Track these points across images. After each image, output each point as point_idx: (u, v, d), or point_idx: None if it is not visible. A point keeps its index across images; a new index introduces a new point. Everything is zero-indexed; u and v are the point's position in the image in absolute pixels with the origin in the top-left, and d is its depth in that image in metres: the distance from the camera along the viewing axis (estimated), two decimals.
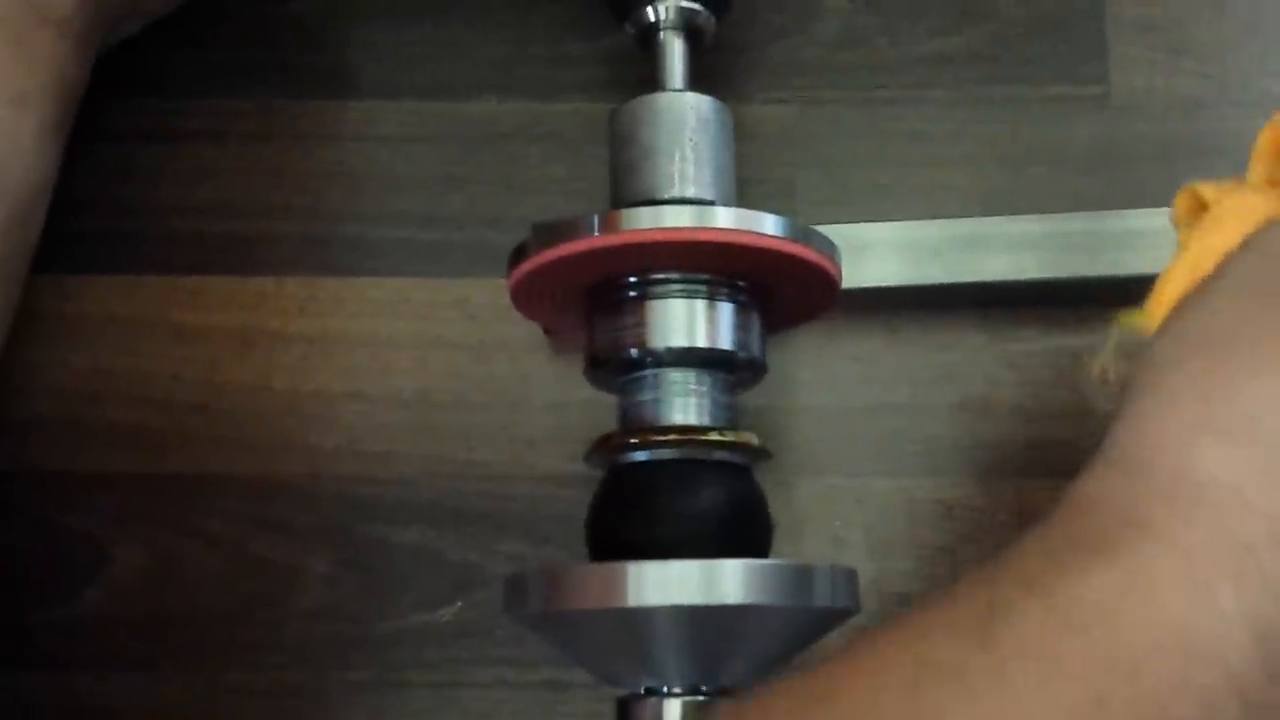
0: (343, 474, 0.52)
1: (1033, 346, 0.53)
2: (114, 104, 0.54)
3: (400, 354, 0.53)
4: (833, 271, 0.43)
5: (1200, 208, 0.40)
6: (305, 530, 0.52)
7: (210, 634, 0.51)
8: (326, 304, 0.54)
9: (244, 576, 0.51)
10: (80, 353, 0.53)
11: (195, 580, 0.51)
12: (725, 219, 0.40)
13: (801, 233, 0.41)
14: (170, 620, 0.51)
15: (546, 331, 0.52)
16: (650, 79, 0.47)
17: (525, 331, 0.53)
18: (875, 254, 0.50)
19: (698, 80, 0.47)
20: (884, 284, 0.50)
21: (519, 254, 0.43)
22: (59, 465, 0.52)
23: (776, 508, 0.44)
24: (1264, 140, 0.39)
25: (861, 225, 0.50)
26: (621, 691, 0.42)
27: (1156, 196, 0.51)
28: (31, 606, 0.51)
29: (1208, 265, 0.36)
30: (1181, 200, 0.40)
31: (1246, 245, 0.35)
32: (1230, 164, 0.42)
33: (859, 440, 0.53)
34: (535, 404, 0.53)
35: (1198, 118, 0.55)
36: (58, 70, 0.47)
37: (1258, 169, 0.39)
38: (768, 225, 0.41)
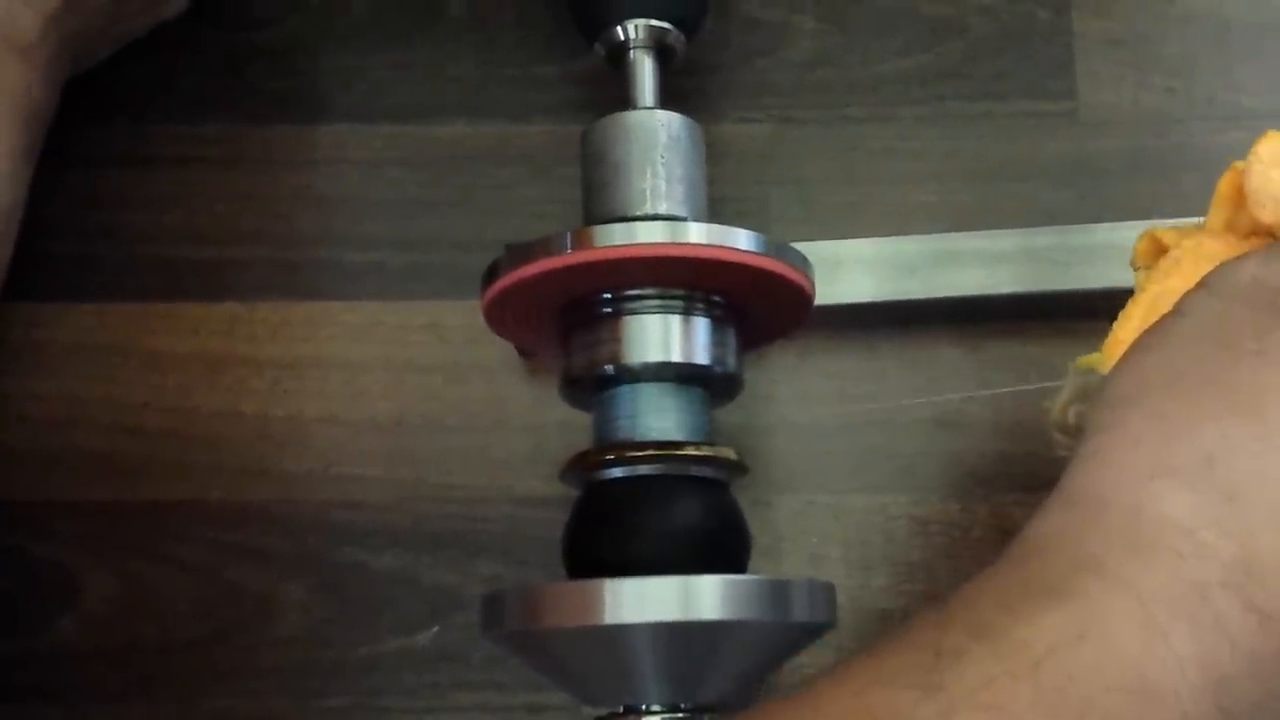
0: (317, 499, 0.52)
1: (1007, 361, 0.53)
2: (84, 130, 0.54)
3: (373, 378, 0.53)
4: (807, 287, 0.43)
5: (1159, 251, 0.40)
6: (280, 556, 0.51)
7: (185, 662, 0.50)
8: (298, 329, 0.53)
9: (218, 604, 0.51)
10: (51, 380, 0.53)
11: (169, 608, 0.51)
12: (698, 234, 0.40)
13: (775, 248, 0.41)
14: (144, 649, 0.50)
15: (521, 352, 0.52)
16: (621, 100, 0.47)
17: (499, 353, 0.52)
18: (849, 270, 0.50)
19: (670, 101, 0.47)
20: (859, 300, 0.51)
21: (491, 273, 0.42)
22: (30, 494, 0.52)
23: (755, 525, 0.44)
24: (1223, 186, 0.40)
25: (835, 242, 0.51)
26: (600, 711, 0.42)
27: (1126, 210, 0.52)
28: (2, 637, 0.50)
29: (1165, 308, 0.36)
30: (1141, 244, 0.41)
31: (1203, 285, 0.35)
32: (1197, 178, 0.43)
33: (836, 457, 0.52)
34: (510, 426, 0.53)
35: (1166, 132, 0.56)
36: (25, 96, 0.47)
37: (1217, 215, 0.40)
38: (741, 240, 0.41)
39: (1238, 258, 0.36)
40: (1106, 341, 0.38)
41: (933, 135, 0.55)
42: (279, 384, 0.53)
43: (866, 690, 0.29)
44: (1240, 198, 0.39)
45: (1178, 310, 0.35)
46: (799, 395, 0.53)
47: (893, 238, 0.51)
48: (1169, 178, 0.55)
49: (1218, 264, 0.36)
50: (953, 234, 0.51)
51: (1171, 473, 0.31)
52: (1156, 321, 0.35)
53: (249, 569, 0.51)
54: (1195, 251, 0.38)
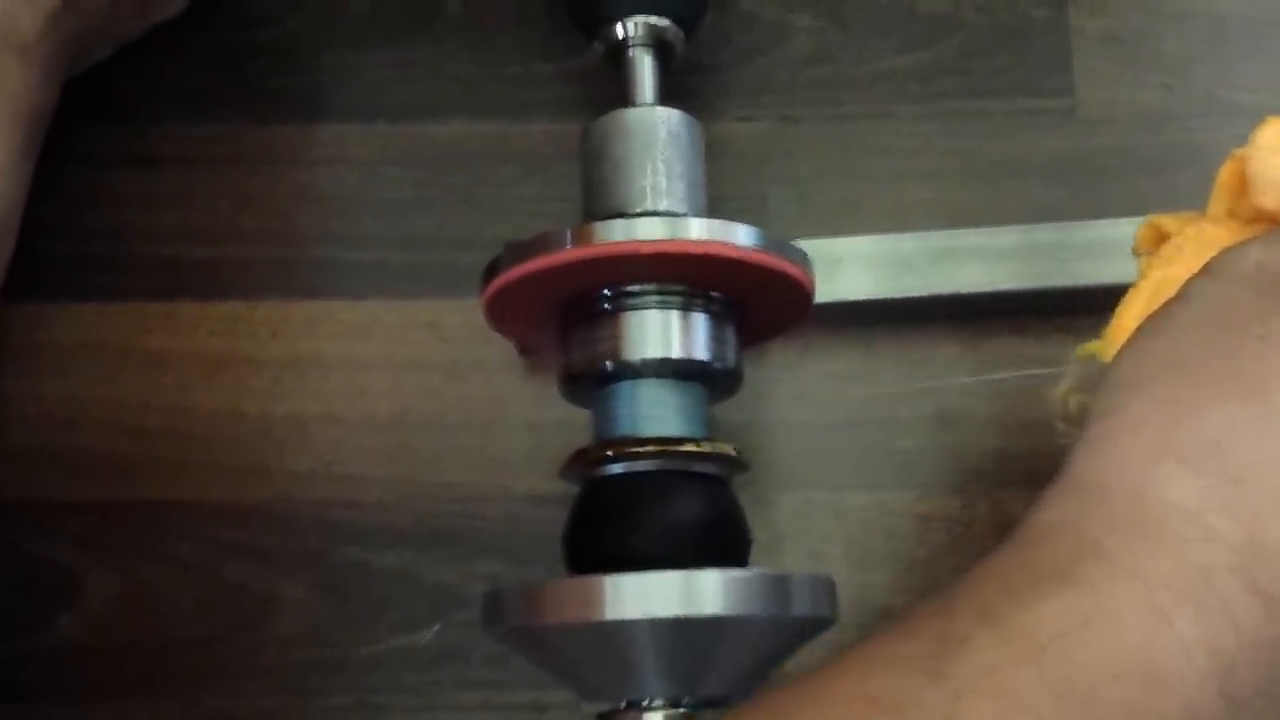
0: (317, 498, 0.52)
1: (1007, 358, 0.53)
2: (83, 129, 0.54)
3: (373, 376, 0.53)
4: (806, 282, 0.43)
5: (1161, 239, 0.40)
6: (280, 555, 0.51)
7: (185, 661, 0.50)
8: (298, 328, 0.53)
9: (218, 603, 0.51)
10: (51, 380, 0.53)
11: (169, 607, 0.51)
12: (698, 230, 0.40)
13: (775, 243, 0.42)
14: (144, 648, 0.50)
15: (520, 350, 0.52)
16: (619, 98, 0.47)
17: (499, 352, 0.52)
18: (848, 268, 0.51)
19: (668, 99, 0.47)
20: (857, 298, 0.51)
21: (492, 270, 0.43)
22: (30, 493, 0.52)
23: (755, 523, 0.44)
24: (1225, 174, 0.40)
25: (834, 240, 0.51)
26: (602, 706, 0.42)
27: (1123, 207, 0.52)
28: (3, 637, 0.50)
29: (1168, 294, 0.36)
30: (1143, 231, 0.41)
31: (1208, 270, 0.35)
32: (1195, 175, 0.43)
33: (836, 455, 0.53)
34: (510, 424, 0.53)
35: (1163, 129, 0.56)
36: (24, 95, 0.47)
37: (1218, 203, 0.40)
38: (740, 236, 0.41)
39: (1241, 243, 0.36)
40: (1108, 329, 0.38)
41: (930, 133, 0.56)
42: (279, 383, 0.53)
43: (870, 677, 0.29)
44: (1241, 186, 0.39)
45: (1181, 295, 0.35)
46: (798, 393, 0.53)
47: (891, 235, 0.51)
48: (1166, 174, 0.55)
49: (1221, 250, 0.36)
50: (951, 231, 0.51)
51: (1176, 457, 0.31)
52: (1160, 307, 0.35)
53: (249, 568, 0.51)
54: (1198, 238, 0.38)
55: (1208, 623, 0.29)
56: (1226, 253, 0.35)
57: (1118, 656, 0.29)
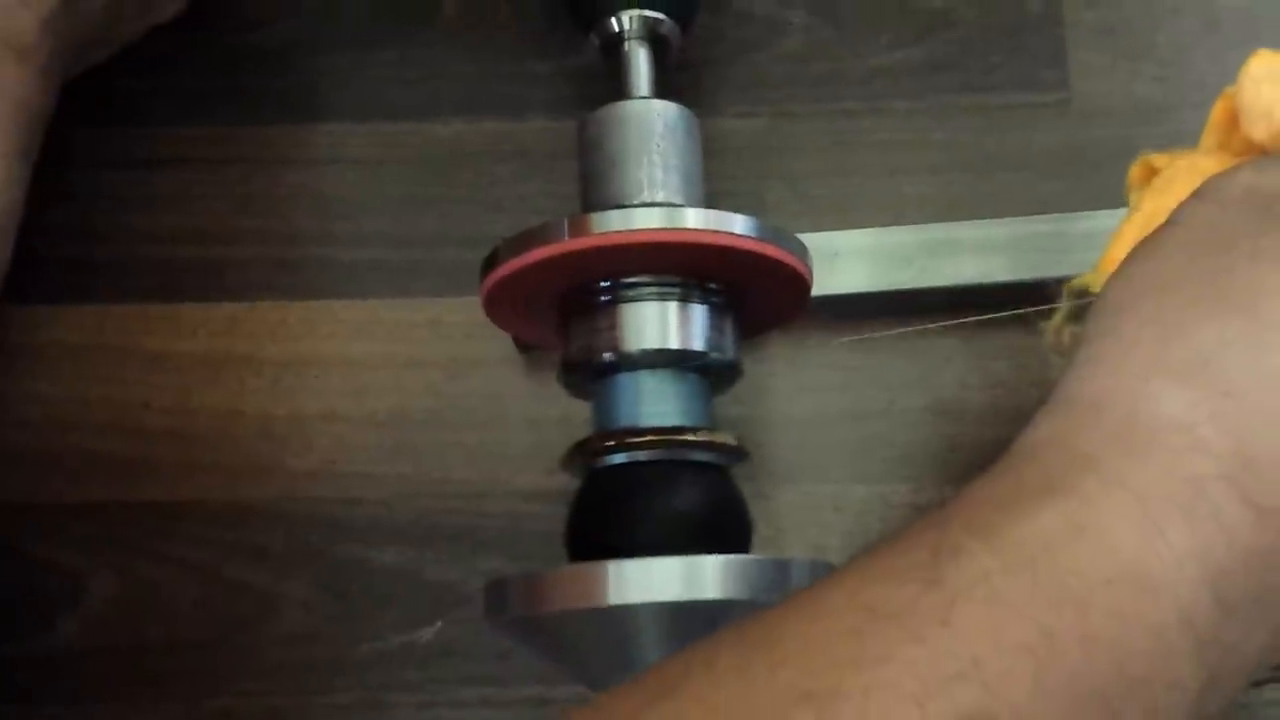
0: (318, 496, 0.52)
1: (1003, 349, 0.53)
2: (81, 132, 0.54)
3: (374, 375, 0.53)
4: (804, 272, 0.43)
5: (1152, 176, 0.40)
6: (281, 554, 0.51)
7: (188, 661, 0.50)
8: (298, 327, 0.54)
9: (221, 602, 0.51)
10: (51, 381, 0.53)
11: (171, 608, 0.51)
12: (695, 220, 0.41)
13: (772, 233, 0.42)
14: (147, 649, 0.50)
15: (519, 345, 0.52)
16: (616, 96, 0.47)
17: (499, 349, 0.53)
18: (846, 261, 0.51)
19: (664, 96, 0.47)
20: (855, 290, 0.51)
21: (490, 262, 0.43)
22: (31, 495, 0.52)
23: (755, 517, 0.44)
24: (1216, 112, 0.40)
25: (831, 233, 0.51)
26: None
27: (1119, 199, 0.52)
28: (5, 639, 0.50)
29: (1158, 224, 0.36)
30: (1135, 170, 0.41)
31: (1198, 194, 0.36)
32: None
33: (835, 447, 0.53)
34: (511, 421, 0.53)
35: (1158, 120, 0.56)
36: (23, 98, 0.47)
37: (1210, 137, 0.40)
38: (737, 225, 0.41)
39: (1230, 168, 0.36)
40: (1100, 260, 0.38)
41: (926, 127, 0.56)
42: (279, 382, 0.53)
43: (866, 587, 0.29)
44: (1231, 124, 0.39)
45: (1171, 219, 0.35)
46: (796, 387, 0.53)
47: (887, 228, 0.51)
48: None
49: (1210, 176, 0.36)
50: (947, 224, 0.52)
51: (1167, 372, 0.31)
52: (1151, 232, 0.35)
53: (251, 567, 0.51)
54: (1189, 169, 0.38)
55: (1199, 532, 0.29)
56: (1216, 178, 0.36)
57: (1110, 565, 0.29)
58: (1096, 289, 0.37)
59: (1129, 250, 0.35)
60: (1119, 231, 0.39)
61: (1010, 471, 0.32)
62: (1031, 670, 0.27)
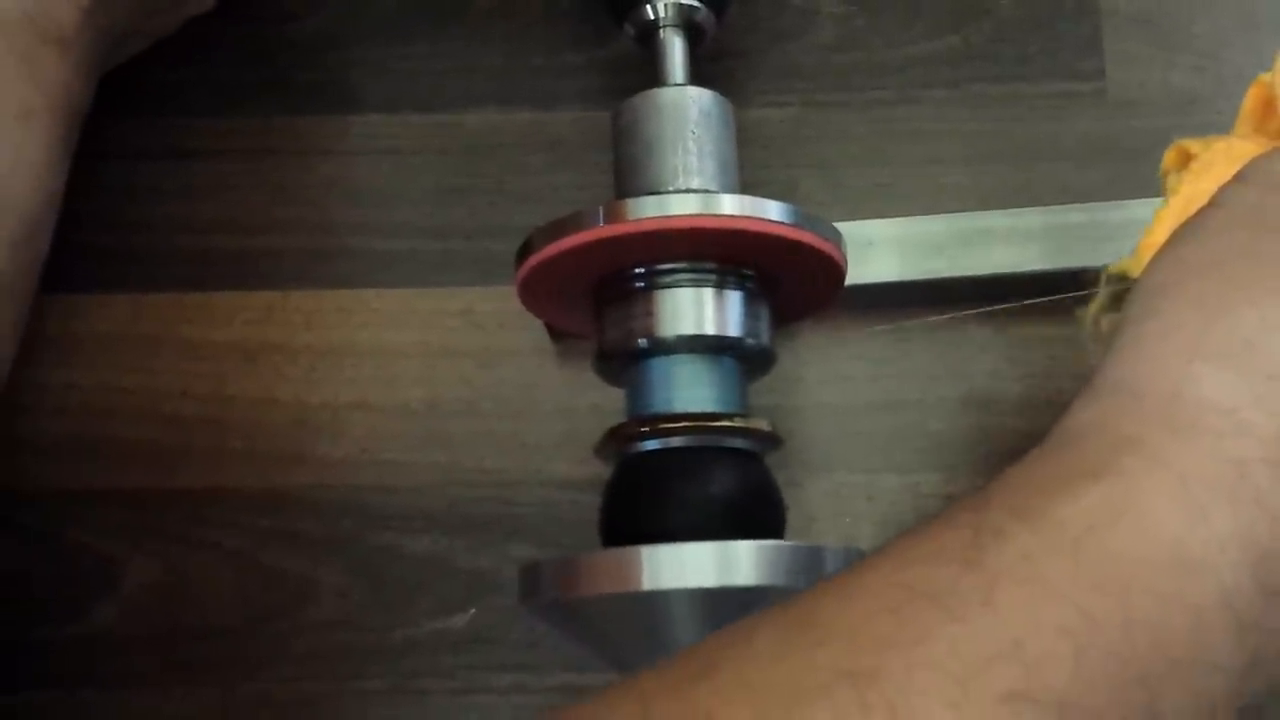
0: (352, 484, 0.52)
1: (1036, 339, 0.53)
2: (118, 123, 0.55)
3: (407, 364, 0.53)
4: (838, 259, 0.43)
5: (1188, 162, 0.40)
6: (316, 541, 0.52)
7: (223, 647, 0.51)
8: (332, 316, 0.54)
9: (256, 589, 0.51)
10: (88, 371, 0.53)
11: (207, 594, 0.51)
12: (730, 206, 0.41)
13: (807, 219, 0.42)
14: (183, 634, 0.51)
15: (551, 333, 0.52)
16: (649, 85, 0.47)
17: (531, 338, 0.53)
18: (879, 250, 0.51)
19: (699, 85, 0.47)
20: (888, 279, 0.51)
21: (525, 250, 0.43)
22: (69, 483, 0.52)
23: (787, 505, 0.44)
24: (1251, 98, 0.40)
25: (864, 222, 0.51)
26: None
27: (1155, 189, 0.51)
28: (43, 624, 0.51)
29: (1197, 207, 0.36)
30: (1170, 156, 0.41)
31: (1240, 176, 0.35)
32: None
33: (867, 437, 0.53)
34: (543, 410, 0.53)
35: (1194, 111, 0.56)
36: (63, 88, 0.47)
37: (1245, 123, 0.40)
38: (773, 212, 0.41)
39: (1274, 149, 0.36)
40: (1138, 245, 0.38)
41: (960, 117, 0.56)
42: (314, 371, 0.53)
43: (906, 567, 0.29)
44: (1265, 110, 0.39)
45: (1214, 201, 0.35)
46: (829, 376, 0.53)
47: (921, 217, 0.51)
48: None
49: (1253, 158, 0.36)
50: (981, 213, 0.51)
51: (1210, 356, 0.31)
52: (1192, 215, 0.35)
53: (286, 554, 0.51)
54: (1227, 153, 0.38)
55: (1242, 515, 0.29)
56: (1259, 159, 0.36)
57: (1152, 547, 0.29)
58: (1135, 274, 0.37)
59: (1168, 234, 0.35)
60: (1157, 215, 0.39)
61: (1051, 455, 0.32)
62: (1072, 651, 0.27)
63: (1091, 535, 0.29)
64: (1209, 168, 0.38)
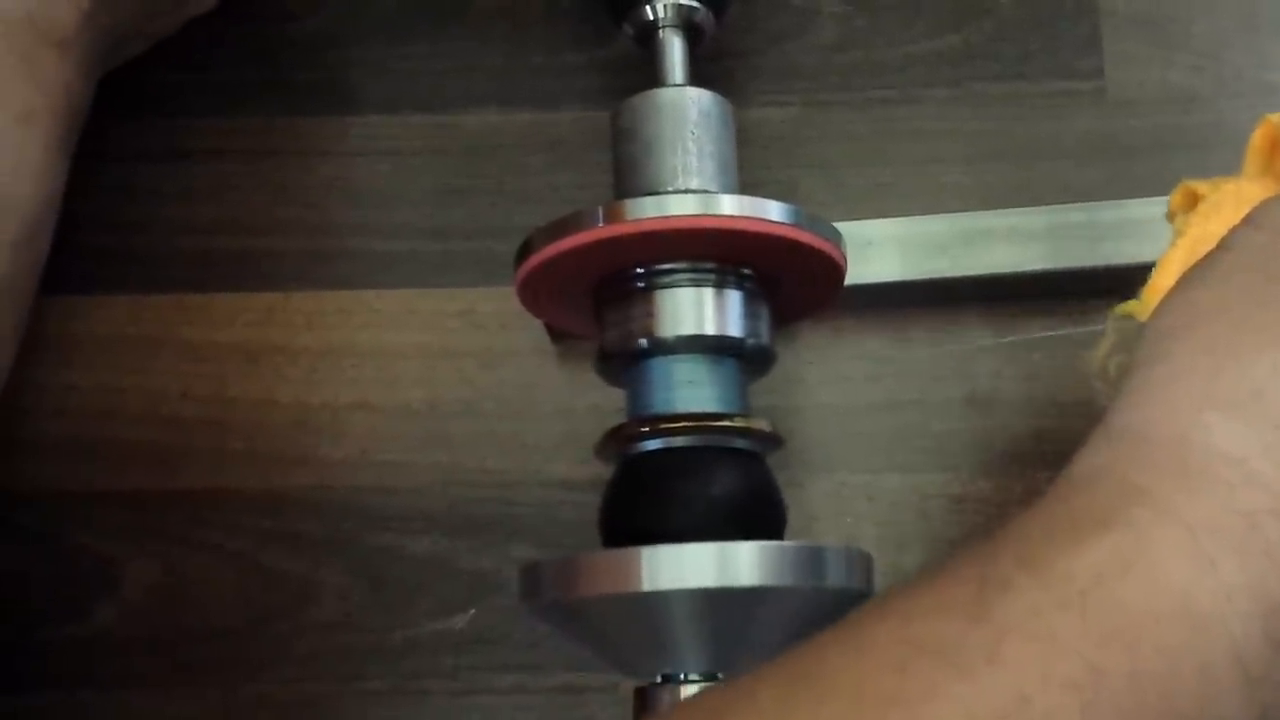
0: (353, 485, 0.52)
1: (1037, 339, 0.53)
2: (118, 124, 0.55)
3: (408, 365, 0.53)
4: (838, 258, 0.43)
5: (1195, 203, 0.40)
6: (317, 542, 0.52)
7: (223, 648, 0.51)
8: (332, 317, 0.54)
9: (256, 590, 0.51)
10: (88, 372, 0.53)
11: (207, 595, 0.51)
12: (730, 206, 0.41)
13: (807, 219, 0.42)
14: (183, 636, 0.51)
15: (551, 334, 0.52)
16: (649, 86, 0.47)
17: (532, 339, 0.53)
18: (879, 250, 0.51)
19: (698, 85, 0.47)
20: (888, 279, 0.51)
21: (525, 250, 0.43)
22: (69, 484, 0.52)
23: (788, 506, 0.44)
24: (1257, 139, 0.40)
25: (864, 222, 0.51)
26: (638, 681, 0.42)
27: (1154, 189, 0.51)
28: (43, 625, 0.51)
29: (1205, 250, 0.36)
30: (1176, 197, 0.41)
31: (1249, 220, 0.35)
32: (1227, 156, 0.43)
33: (869, 437, 0.53)
34: (544, 410, 0.53)
35: (1193, 110, 0.56)
36: (63, 89, 0.47)
37: (1252, 164, 0.40)
38: (772, 212, 0.41)
39: None
40: (1146, 287, 0.38)
41: (961, 116, 0.56)
42: (314, 372, 0.53)
43: (912, 621, 0.29)
44: (1273, 150, 0.39)
45: (1223, 245, 0.35)
46: (830, 376, 0.53)
47: (921, 216, 0.51)
48: (1197, 156, 0.54)
49: (1261, 201, 0.36)
50: (982, 212, 0.51)
51: (1220, 404, 0.31)
52: (1201, 258, 0.35)
53: (287, 555, 0.51)
54: (1235, 195, 0.38)
55: (1251, 567, 0.29)
56: (1269, 203, 0.35)
57: (1160, 600, 0.28)
58: (1142, 317, 0.37)
59: (1175, 278, 0.35)
60: (1165, 258, 0.38)
61: (1059, 503, 0.31)
62: (1079, 706, 0.27)
63: (1100, 587, 0.28)
64: (1217, 209, 0.38)
